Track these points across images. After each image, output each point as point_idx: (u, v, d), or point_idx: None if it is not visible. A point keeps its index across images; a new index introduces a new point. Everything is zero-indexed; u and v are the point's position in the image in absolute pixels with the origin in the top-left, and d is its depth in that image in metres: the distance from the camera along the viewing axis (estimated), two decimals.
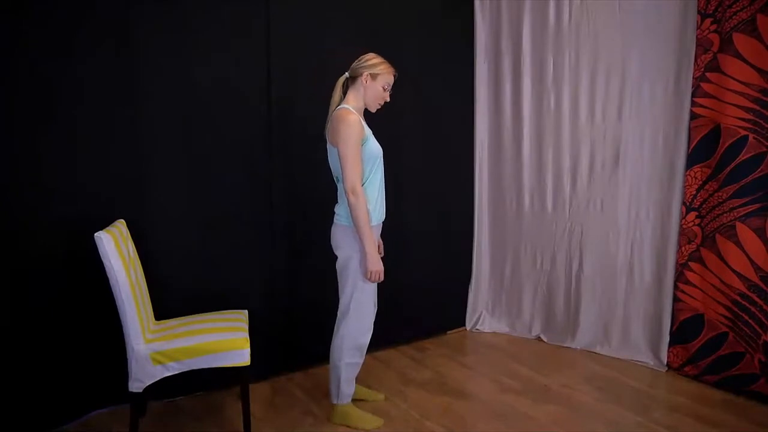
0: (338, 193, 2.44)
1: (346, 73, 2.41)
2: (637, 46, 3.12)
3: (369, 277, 2.33)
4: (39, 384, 2.38)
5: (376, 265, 2.32)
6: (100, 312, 2.41)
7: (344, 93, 2.41)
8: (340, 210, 2.41)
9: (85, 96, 2.40)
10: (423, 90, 3.42)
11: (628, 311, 3.30)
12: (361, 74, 2.35)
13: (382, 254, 2.59)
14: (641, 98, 3.15)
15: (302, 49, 2.91)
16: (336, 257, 2.46)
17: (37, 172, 2.33)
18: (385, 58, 2.40)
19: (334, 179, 2.45)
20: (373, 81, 2.36)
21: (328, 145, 2.38)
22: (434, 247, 3.60)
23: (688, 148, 2.97)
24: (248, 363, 2.23)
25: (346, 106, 2.34)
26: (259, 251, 2.90)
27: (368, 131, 2.36)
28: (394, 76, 2.42)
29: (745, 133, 2.73)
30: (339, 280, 2.48)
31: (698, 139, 2.92)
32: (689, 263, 3.01)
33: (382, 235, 2.56)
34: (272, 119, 2.87)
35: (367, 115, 2.47)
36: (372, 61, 2.37)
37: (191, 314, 2.52)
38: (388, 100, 2.45)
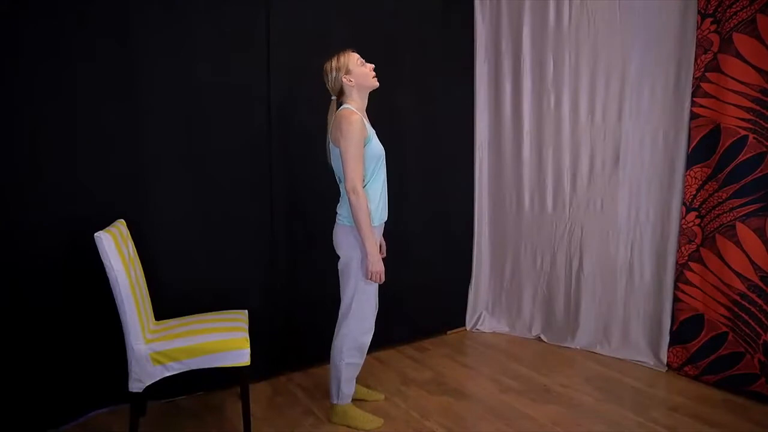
0: (341, 193, 2.44)
1: (332, 96, 2.39)
2: (637, 46, 3.12)
3: (370, 277, 2.33)
4: (39, 384, 2.38)
5: (377, 266, 2.32)
6: (100, 312, 2.41)
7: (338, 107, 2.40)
8: (341, 210, 2.41)
9: (85, 96, 2.41)
10: (423, 90, 3.42)
11: (628, 311, 3.30)
12: (341, 81, 2.33)
13: (384, 255, 2.59)
14: (641, 98, 3.15)
15: (302, 49, 2.90)
16: (338, 257, 2.46)
17: (37, 172, 2.33)
18: (338, 53, 2.36)
19: (337, 180, 2.44)
20: (351, 74, 2.33)
21: (331, 146, 2.37)
22: (434, 247, 3.60)
23: (688, 148, 2.97)
24: (248, 363, 2.23)
25: (348, 106, 2.34)
26: (259, 251, 2.90)
27: (371, 131, 2.35)
28: (354, 51, 2.38)
29: (745, 133, 2.73)
30: (341, 280, 2.48)
31: (698, 139, 2.92)
32: (689, 263, 3.01)
33: (383, 235, 2.56)
34: (272, 119, 2.87)
35: (369, 115, 2.47)
36: (335, 65, 2.34)
37: (191, 314, 2.52)
38: (373, 65, 2.40)
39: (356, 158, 2.24)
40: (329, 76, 2.35)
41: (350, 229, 2.35)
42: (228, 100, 2.74)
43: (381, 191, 2.39)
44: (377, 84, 2.40)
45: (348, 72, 2.33)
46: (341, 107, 2.35)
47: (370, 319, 2.47)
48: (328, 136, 2.38)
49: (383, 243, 2.57)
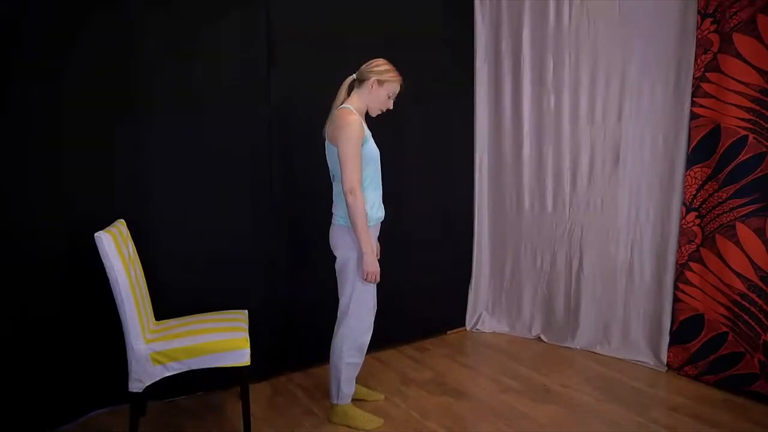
0: (334, 192, 2.44)
1: (354, 75, 2.41)
2: (637, 46, 3.12)
3: (365, 278, 2.34)
4: (38, 384, 2.38)
5: (373, 266, 2.33)
6: (100, 312, 2.40)
7: (349, 94, 2.42)
8: (337, 210, 2.41)
9: (85, 96, 2.40)
10: (423, 90, 3.41)
11: (628, 311, 3.29)
12: (369, 79, 2.36)
13: (378, 256, 2.59)
14: (641, 98, 3.14)
15: (303, 49, 2.90)
16: (335, 257, 2.46)
17: (38, 172, 2.33)
18: (395, 67, 2.41)
19: (330, 176, 2.45)
20: (380, 87, 2.38)
21: (327, 143, 2.39)
22: (434, 246, 3.60)
23: (688, 148, 2.97)
24: (248, 363, 2.23)
25: (348, 106, 2.35)
26: (259, 251, 2.90)
27: (368, 133, 2.36)
28: (401, 85, 2.44)
29: (745, 133, 2.73)
30: (338, 281, 2.48)
31: (698, 139, 2.92)
32: (689, 263, 3.01)
33: (382, 236, 2.56)
34: (272, 119, 2.87)
35: (368, 115, 2.47)
36: (381, 67, 2.38)
37: (191, 314, 2.52)
38: (390, 108, 2.47)
39: (354, 159, 2.25)
40: (369, 68, 2.38)
41: (347, 229, 2.36)
42: (228, 100, 2.74)
43: (376, 192, 2.41)
44: (374, 115, 2.46)
45: (379, 83, 2.37)
46: (342, 106, 2.36)
47: (369, 319, 2.48)
48: (329, 119, 2.38)
49: (377, 244, 2.57)
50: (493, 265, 3.85)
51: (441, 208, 3.62)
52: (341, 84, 2.43)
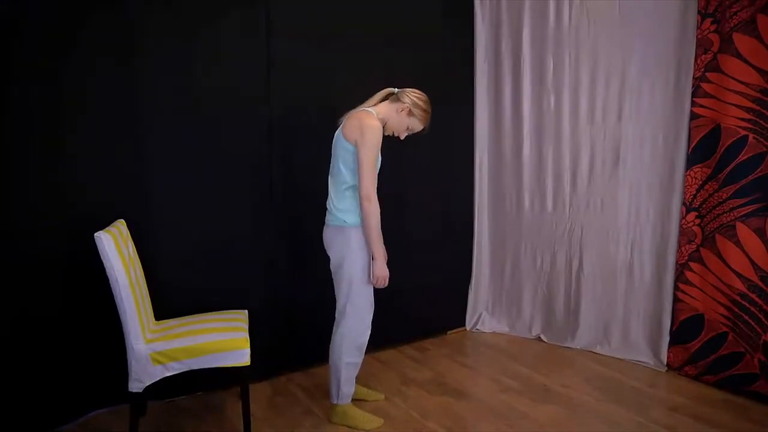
0: (330, 190, 2.43)
1: (395, 89, 2.44)
2: (637, 46, 3.12)
3: (375, 282, 2.35)
4: (38, 384, 2.38)
5: (384, 271, 2.35)
6: (99, 312, 2.40)
7: (380, 102, 2.45)
8: (332, 210, 2.42)
9: (85, 95, 2.40)
10: (423, 90, 3.40)
11: (628, 311, 3.30)
12: (405, 102, 2.39)
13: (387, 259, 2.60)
14: (641, 98, 3.15)
15: (303, 49, 2.90)
16: (329, 258, 2.47)
17: (38, 172, 2.33)
18: (431, 111, 2.46)
19: (330, 169, 2.44)
20: (407, 117, 2.42)
21: (339, 134, 2.37)
22: (434, 246, 3.60)
23: (688, 148, 2.97)
24: (248, 363, 2.23)
25: (372, 111, 2.36)
26: (259, 251, 2.90)
27: None
28: (424, 129, 2.49)
29: (745, 133, 2.73)
30: (334, 281, 2.49)
31: (698, 139, 2.92)
32: (689, 263, 3.01)
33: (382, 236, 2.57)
34: (273, 119, 2.87)
35: None
36: (420, 102, 2.42)
37: (191, 314, 2.52)
38: (401, 138, 2.51)
39: (372, 166, 2.27)
40: (411, 95, 2.41)
41: (340, 229, 2.37)
42: (228, 100, 2.73)
43: None
44: (385, 134, 2.45)
45: (409, 113, 2.41)
46: (366, 109, 2.37)
47: (367, 319, 2.48)
48: (351, 114, 2.38)
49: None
50: (493, 265, 3.85)
51: (441, 208, 3.62)
52: (381, 89, 2.45)
